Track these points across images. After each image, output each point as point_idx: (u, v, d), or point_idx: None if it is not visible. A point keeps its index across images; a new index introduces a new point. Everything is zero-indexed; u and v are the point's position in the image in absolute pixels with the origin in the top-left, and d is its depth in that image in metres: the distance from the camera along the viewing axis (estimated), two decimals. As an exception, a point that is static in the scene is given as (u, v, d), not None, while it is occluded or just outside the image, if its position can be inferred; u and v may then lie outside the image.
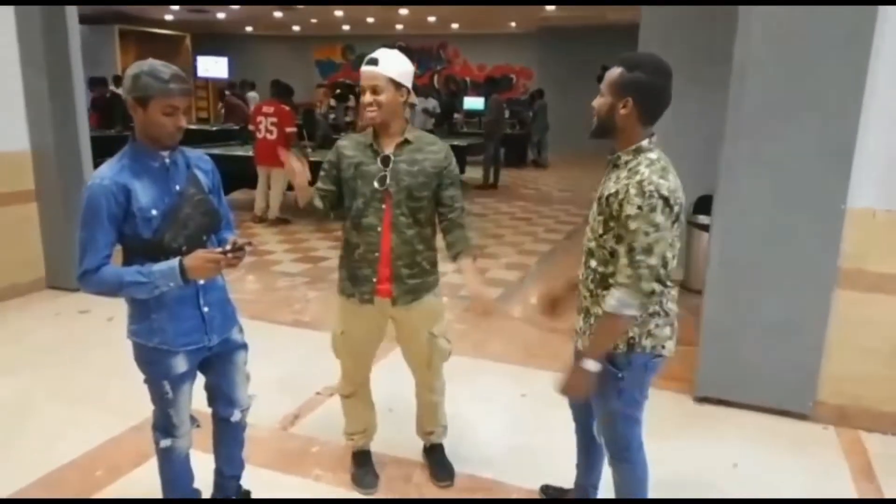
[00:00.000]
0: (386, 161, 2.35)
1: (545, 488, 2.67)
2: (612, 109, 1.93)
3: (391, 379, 2.98)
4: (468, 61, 18.86)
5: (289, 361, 3.92)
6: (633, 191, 1.85)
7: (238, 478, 2.48)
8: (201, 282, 2.08)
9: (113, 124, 10.52)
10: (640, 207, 1.83)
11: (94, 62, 12.29)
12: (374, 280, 2.42)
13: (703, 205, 4.95)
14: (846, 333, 3.25)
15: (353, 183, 2.38)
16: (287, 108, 7.42)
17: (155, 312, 2.03)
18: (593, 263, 2.04)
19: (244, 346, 2.33)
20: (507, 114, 12.59)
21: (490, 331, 4.51)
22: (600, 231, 1.98)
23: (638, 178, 1.87)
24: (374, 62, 2.27)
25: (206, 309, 2.11)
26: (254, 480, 2.62)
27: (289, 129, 7.28)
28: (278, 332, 4.45)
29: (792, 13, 3.07)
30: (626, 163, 1.95)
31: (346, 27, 17.98)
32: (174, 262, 1.94)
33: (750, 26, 3.16)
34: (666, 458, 2.97)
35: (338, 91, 12.59)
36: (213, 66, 17.37)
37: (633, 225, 1.85)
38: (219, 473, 2.43)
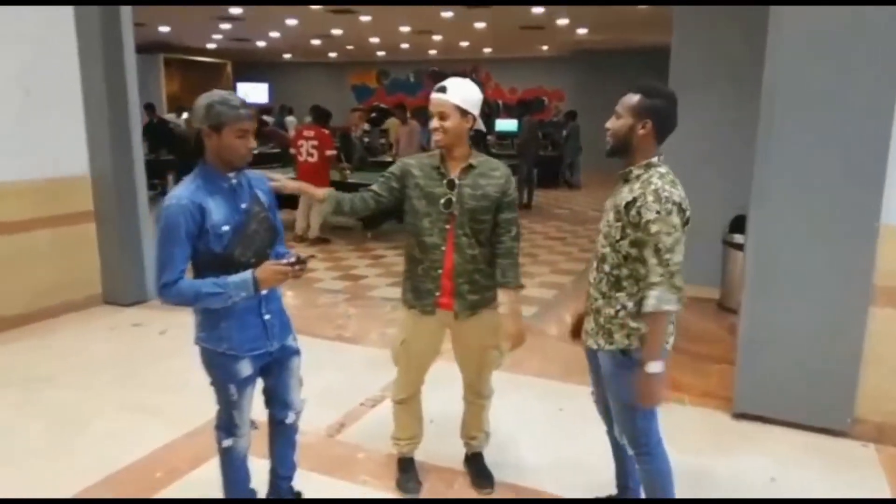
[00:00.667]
0: (452, 185, 2.52)
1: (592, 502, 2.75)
2: (632, 130, 2.15)
3: (434, 393, 3.07)
4: (500, 85, 19.10)
5: (332, 374, 4.06)
6: (650, 198, 2.07)
7: (290, 478, 2.62)
8: (263, 292, 2.24)
9: (158, 148, 10.94)
10: (658, 212, 2.05)
11: (141, 90, 12.83)
12: (437, 294, 2.58)
13: (739, 224, 4.99)
14: (883, 350, 3.27)
15: (418, 203, 2.55)
16: (326, 131, 7.67)
17: (224, 321, 2.20)
18: (607, 267, 2.24)
19: (298, 353, 2.50)
20: (540, 135, 12.73)
21: (527, 348, 4.56)
22: (617, 236, 2.17)
23: (653, 187, 2.09)
24: (443, 90, 2.45)
25: (267, 317, 2.29)
26: (305, 483, 2.75)
27: (328, 152, 7.53)
28: (321, 345, 4.59)
29: (822, 31, 3.15)
30: (638, 176, 2.17)
31: (380, 53, 18.40)
32: (247, 274, 2.12)
33: (780, 45, 3.25)
34: (703, 473, 3.05)
35: (373, 115, 12.90)
36: (252, 92, 17.93)
37: (654, 228, 2.05)
38: (273, 473, 2.58)
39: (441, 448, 3.04)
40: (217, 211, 2.14)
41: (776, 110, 3.28)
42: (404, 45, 16.53)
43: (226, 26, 13.49)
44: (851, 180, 3.19)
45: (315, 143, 7.45)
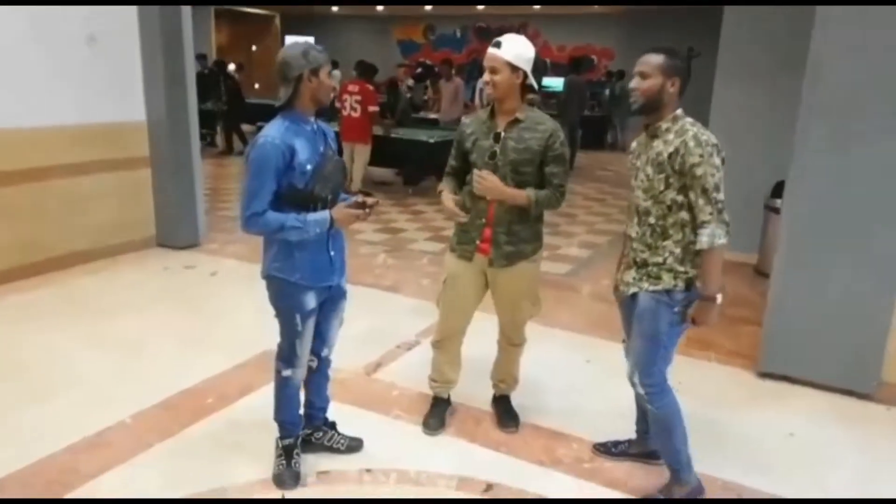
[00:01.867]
0: (497, 137, 2.66)
1: (599, 446, 2.88)
2: (663, 88, 2.29)
3: (471, 339, 3.19)
4: (549, 42, 18.75)
5: (370, 319, 4.26)
6: (691, 143, 2.22)
7: (325, 409, 2.83)
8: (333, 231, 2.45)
9: (206, 99, 11.16)
10: (700, 155, 2.20)
11: (193, 40, 13.07)
12: (477, 241, 2.74)
13: (780, 189, 4.94)
14: (914, 315, 3.28)
15: (471, 155, 2.72)
16: (371, 87, 7.76)
17: (297, 251, 2.40)
18: (651, 220, 2.37)
19: (346, 295, 2.69)
20: (587, 95, 12.53)
21: (559, 302, 4.73)
22: (661, 188, 2.31)
23: (690, 133, 2.25)
24: (498, 45, 2.58)
25: (332, 253, 2.50)
26: (341, 416, 2.96)
27: (371, 108, 7.63)
28: (361, 292, 4.77)
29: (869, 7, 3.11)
30: (668, 129, 2.32)
31: (428, 7, 18.21)
32: (325, 213, 2.37)
33: (827, 17, 3.22)
34: (720, 425, 3.16)
35: (419, 70, 12.89)
36: (300, 45, 18.02)
37: (699, 171, 2.20)
38: (309, 405, 2.78)
39: (473, 389, 3.20)
40: (303, 151, 2.33)
41: (822, 74, 3.27)
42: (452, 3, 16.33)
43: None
44: (890, 144, 3.16)
45: (359, 97, 7.55)
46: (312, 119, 2.43)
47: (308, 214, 2.34)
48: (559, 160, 2.67)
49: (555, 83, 14.30)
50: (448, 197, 2.76)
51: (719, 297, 2.30)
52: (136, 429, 2.93)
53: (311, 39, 18.13)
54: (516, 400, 3.14)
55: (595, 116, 13.78)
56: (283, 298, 2.47)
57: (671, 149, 2.26)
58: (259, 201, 2.28)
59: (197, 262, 5.25)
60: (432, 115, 10.70)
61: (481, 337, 3.08)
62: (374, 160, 8.12)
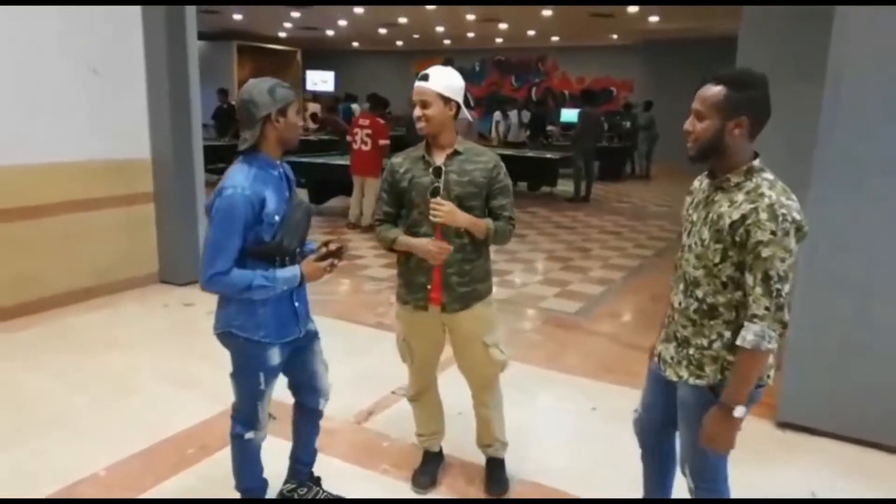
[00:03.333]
0: (438, 172, 2.46)
1: None
2: (722, 132, 1.83)
3: (462, 384, 3.04)
4: (567, 74, 18.77)
5: (368, 360, 4.10)
6: (764, 215, 1.74)
7: (311, 465, 2.65)
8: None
9: (225, 134, 11.28)
10: (773, 233, 1.73)
11: (214, 76, 13.29)
12: (429, 287, 2.52)
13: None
14: (946, 364, 3.03)
15: (408, 195, 2.50)
16: (382, 121, 7.73)
17: (261, 308, 2.21)
18: (700, 293, 1.93)
19: (318, 335, 2.50)
20: (605, 126, 12.44)
21: (566, 343, 4.52)
22: (716, 260, 1.86)
23: (767, 201, 1.76)
24: (426, 78, 2.42)
25: (297, 304, 2.32)
26: (326, 468, 2.79)
27: (382, 142, 7.59)
28: (360, 332, 4.66)
29: (890, 15, 2.95)
30: (738, 185, 1.85)
31: (447, 41, 18.38)
32: (296, 269, 2.21)
33: (846, 28, 3.06)
34: (737, 482, 2.90)
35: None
36: (320, 80, 18.29)
37: (766, 252, 1.74)
38: (295, 460, 2.61)
39: (468, 440, 2.99)
40: (271, 201, 2.14)
41: (840, 95, 3.10)
42: (470, 34, 16.45)
43: (296, 14, 13.77)
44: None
45: (370, 131, 7.53)
46: (278, 162, 2.26)
47: (277, 271, 2.16)
48: (505, 192, 2.51)
49: (571, 116, 14.27)
50: (409, 238, 2.47)
51: (740, 411, 1.81)
52: (108, 482, 2.79)
53: (330, 74, 18.42)
54: (515, 451, 2.92)
55: (612, 147, 13.65)
56: (245, 357, 2.28)
57: (737, 214, 1.78)
58: (224, 259, 2.06)
59: (196, 300, 5.16)
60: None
61: (462, 378, 2.84)
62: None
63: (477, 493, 2.79)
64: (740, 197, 1.81)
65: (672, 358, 2.02)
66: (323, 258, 2.27)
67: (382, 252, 6.96)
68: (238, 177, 2.13)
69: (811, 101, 3.32)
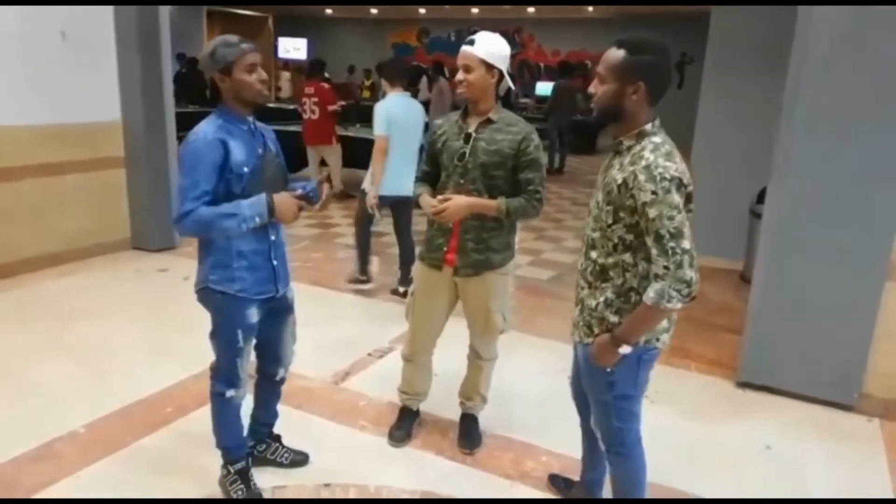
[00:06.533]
0: (468, 138, 2.51)
1: (553, 478, 2.66)
2: (621, 95, 1.85)
3: (445, 349, 3.07)
4: (542, 47, 18.71)
5: (344, 325, 4.17)
6: (642, 177, 1.78)
7: (271, 425, 2.70)
8: (272, 237, 2.31)
9: (181, 99, 10.94)
10: (654, 192, 1.76)
11: (184, 41, 12.95)
12: (445, 249, 2.59)
13: (765, 195, 4.87)
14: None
15: (440, 156, 2.58)
16: (327, 86, 7.46)
17: (236, 261, 2.23)
18: (594, 255, 1.99)
19: (293, 308, 2.53)
20: (577, 98, 12.47)
21: (539, 308, 4.63)
22: (609, 221, 1.91)
23: (643, 163, 1.80)
24: (472, 43, 2.44)
25: (275, 262, 2.34)
26: (305, 426, 2.87)
27: (331, 108, 7.31)
28: (337, 298, 4.71)
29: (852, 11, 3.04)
30: (629, 148, 1.89)
31: (422, 10, 18.15)
32: (262, 196, 2.16)
33: (808, 27, 3.16)
34: (698, 438, 3.07)
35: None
36: (292, 48, 17.95)
37: (652, 213, 1.76)
38: (255, 420, 2.65)
39: (443, 399, 3.09)
40: (238, 151, 2.16)
41: (804, 73, 3.19)
42: (445, 4, 16.26)
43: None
44: (873, 153, 3.09)
45: (316, 99, 7.25)
46: (249, 119, 2.25)
47: (242, 200, 2.14)
48: (534, 165, 2.50)
49: (546, 88, 14.26)
50: (427, 198, 2.57)
51: (625, 349, 1.91)
52: (87, 440, 2.82)
53: (303, 41, 18.08)
54: (488, 408, 3.02)
55: (587, 121, 13.69)
56: (223, 313, 2.30)
57: (621, 178, 1.84)
58: (192, 199, 2.09)
59: (170, 266, 5.14)
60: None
61: (456, 346, 2.95)
62: (352, 162, 7.98)
63: (451, 445, 2.89)
64: (627, 160, 1.86)
65: (575, 319, 2.10)
66: (300, 198, 2.26)
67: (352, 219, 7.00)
68: (203, 125, 2.18)
69: (782, 77, 3.41)
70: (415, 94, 12.43)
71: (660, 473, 2.50)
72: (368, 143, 8.00)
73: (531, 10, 16.81)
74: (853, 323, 3.24)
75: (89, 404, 3.06)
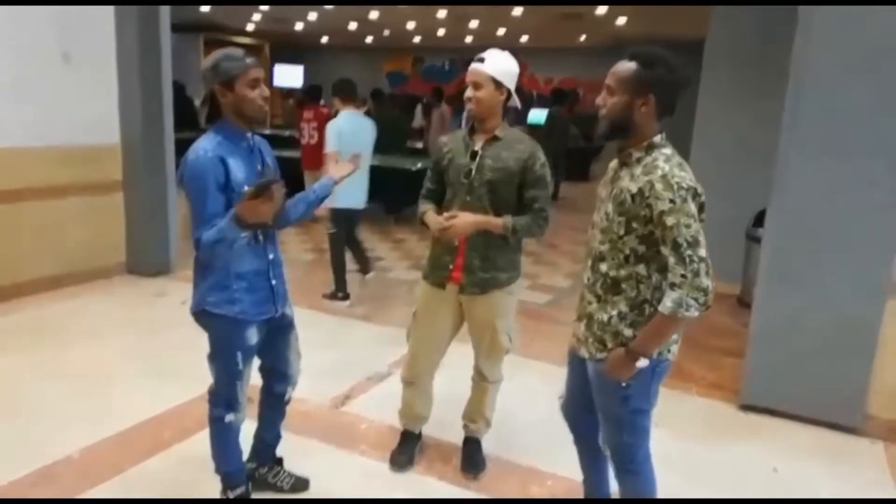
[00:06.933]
0: (474, 155, 2.51)
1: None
2: (630, 108, 1.88)
3: (447, 371, 3.06)
4: (535, 74, 18.95)
5: (343, 349, 4.13)
6: (659, 186, 1.80)
7: (275, 446, 2.65)
8: (270, 256, 2.28)
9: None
10: (672, 201, 1.78)
11: (181, 67, 13.05)
12: (451, 267, 2.57)
13: (762, 219, 4.90)
14: (899, 347, 3.20)
15: (446, 174, 2.58)
16: (325, 110, 7.47)
17: (235, 283, 2.19)
18: (604, 267, 1.98)
19: (294, 324, 2.49)
20: (569, 127, 12.59)
21: (537, 332, 4.61)
22: (620, 232, 1.91)
23: (660, 172, 1.82)
24: (482, 60, 2.46)
25: (273, 282, 2.30)
26: (304, 449, 2.83)
27: None
28: (334, 322, 4.68)
29: (850, 17, 3.09)
30: (639, 160, 1.91)
31: (416, 39, 18.38)
32: (230, 212, 2.02)
33: (807, 46, 3.20)
34: (703, 461, 3.03)
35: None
36: (288, 75, 18.10)
37: (670, 221, 1.78)
38: (258, 440, 2.61)
39: (447, 422, 3.05)
40: (238, 170, 2.12)
41: (803, 96, 3.23)
42: (440, 32, 16.48)
43: (265, 7, 13.63)
44: (874, 173, 3.11)
45: (315, 124, 7.25)
46: (248, 135, 2.22)
47: (220, 222, 2.03)
48: (540, 183, 2.50)
49: (538, 116, 14.40)
50: (433, 215, 2.57)
51: (642, 363, 1.89)
52: (83, 465, 2.77)
53: (300, 69, 18.24)
54: (490, 433, 2.99)
55: (581, 148, 13.81)
56: (222, 336, 2.26)
57: (635, 188, 1.85)
58: (202, 225, 2.06)
59: (168, 291, 5.10)
60: (418, 145, 10.68)
61: (459, 367, 2.92)
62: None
63: (454, 471, 2.84)
64: (638, 171, 1.88)
65: (582, 335, 2.07)
66: (253, 196, 1.99)
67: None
68: (202, 143, 2.13)
69: (776, 101, 3.46)
70: (409, 121, 12.64)
71: (668, 495, 2.47)
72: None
73: (524, 38, 17.06)
74: (856, 344, 3.24)
75: (85, 428, 3.01)
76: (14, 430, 3.03)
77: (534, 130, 14.60)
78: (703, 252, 1.78)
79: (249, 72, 2.12)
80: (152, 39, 5.27)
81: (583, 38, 16.34)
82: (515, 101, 2.52)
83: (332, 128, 4.65)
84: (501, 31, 15.83)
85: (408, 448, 2.89)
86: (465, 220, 2.46)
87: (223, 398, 2.33)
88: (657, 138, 1.91)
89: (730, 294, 5.45)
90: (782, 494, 2.81)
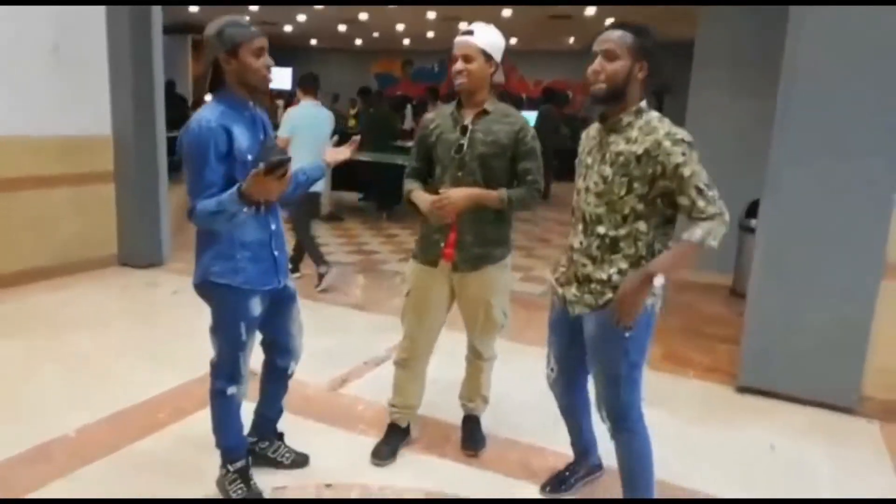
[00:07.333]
0: (464, 130, 2.48)
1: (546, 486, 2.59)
2: (630, 72, 1.96)
3: (441, 356, 3.04)
4: (524, 77, 19.04)
5: (339, 336, 4.11)
6: (667, 143, 1.91)
7: (276, 421, 2.62)
8: (273, 227, 2.26)
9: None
10: (683, 154, 1.91)
11: (169, 69, 13.00)
12: (442, 245, 2.53)
13: (755, 209, 4.93)
14: (894, 326, 3.22)
15: (434, 150, 2.54)
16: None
17: (239, 252, 2.17)
18: (601, 229, 2.05)
19: (296, 297, 2.47)
20: (561, 126, 12.66)
21: (531, 321, 4.60)
22: (622, 192, 1.98)
23: (663, 131, 1.93)
24: (470, 33, 2.42)
25: (276, 253, 2.28)
26: (304, 430, 2.81)
27: None
28: (330, 311, 4.65)
29: (842, 16, 3.13)
30: (629, 124, 2.00)
31: (406, 41, 18.43)
32: (235, 186, 2.02)
33: (801, 26, 3.23)
34: (701, 441, 3.05)
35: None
36: (277, 77, 18.07)
37: (687, 171, 1.90)
38: (260, 415, 2.58)
39: (444, 404, 3.04)
40: (242, 138, 2.11)
41: (796, 85, 3.26)
42: (430, 34, 16.53)
43: (254, 8, 13.59)
44: (867, 153, 3.15)
45: None
46: (251, 104, 2.20)
47: (222, 194, 2.03)
48: (532, 154, 2.50)
49: (528, 118, 14.46)
50: (421, 192, 2.54)
51: (659, 280, 1.94)
52: (79, 443, 2.73)
53: (288, 70, 18.23)
54: (489, 413, 2.98)
55: (571, 148, 13.85)
56: (226, 306, 2.23)
57: (639, 149, 1.94)
58: (198, 195, 2.05)
59: (159, 281, 5.05)
60: (409, 144, 10.70)
61: (455, 352, 2.90)
62: (344, 184, 7.95)
63: (454, 449, 2.83)
64: (635, 133, 1.97)
65: (575, 296, 2.13)
66: (265, 174, 1.99)
67: (347, 240, 6.99)
68: (204, 112, 2.11)
69: (769, 99, 3.50)
70: (401, 121, 12.64)
71: (667, 472, 2.49)
72: (355, 166, 8.08)
73: (514, 40, 17.14)
74: (851, 324, 3.27)
75: (80, 409, 2.97)
76: (8, 411, 2.99)
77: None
78: (717, 192, 1.91)
79: (254, 40, 2.11)
80: (143, 31, 5.22)
81: (571, 40, 16.45)
82: (501, 77, 2.50)
83: (287, 116, 5.07)
84: (491, 33, 15.88)
85: (393, 441, 2.79)
86: (460, 193, 2.42)
87: (225, 370, 2.30)
88: (643, 104, 2.01)
89: (723, 285, 5.48)
90: (780, 471, 2.82)
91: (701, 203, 1.90)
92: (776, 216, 3.39)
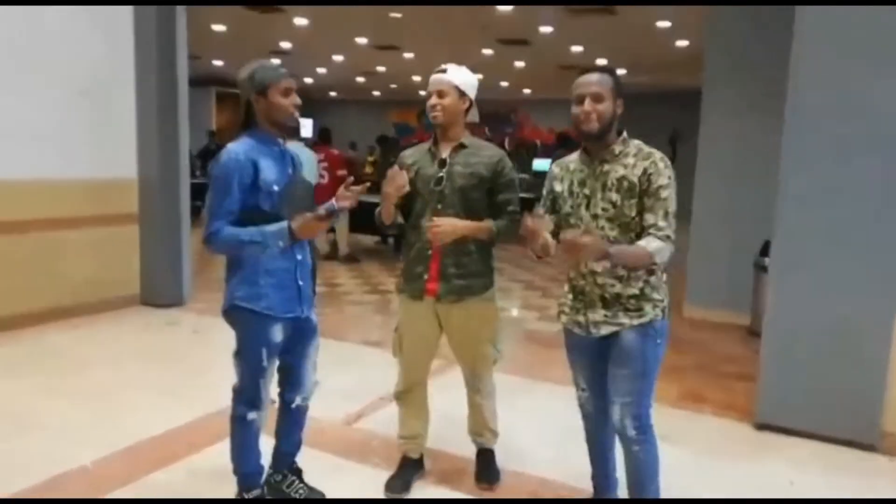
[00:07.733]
0: (443, 163, 2.56)
1: None
2: (615, 110, 2.19)
3: (450, 387, 3.08)
4: (538, 125, 19.33)
5: (355, 372, 4.13)
6: (661, 164, 2.14)
7: (294, 455, 2.63)
8: (299, 257, 2.35)
9: (207, 172, 11.42)
10: (669, 178, 2.13)
11: (193, 120, 13.44)
12: (425, 277, 2.56)
13: (769, 248, 4.94)
14: (911, 361, 3.19)
15: (413, 185, 2.57)
16: (336, 151, 7.76)
17: (263, 279, 2.27)
18: None
19: (317, 332, 2.53)
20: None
21: (549, 358, 4.61)
22: (633, 213, 2.15)
23: (658, 155, 2.17)
24: (444, 70, 2.55)
25: (301, 282, 2.36)
26: (320, 464, 2.81)
27: (340, 172, 7.45)
28: (346, 348, 4.69)
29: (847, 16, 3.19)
30: (621, 152, 2.21)
31: (422, 92, 18.83)
32: (283, 223, 2.20)
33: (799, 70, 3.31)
34: (720, 477, 3.01)
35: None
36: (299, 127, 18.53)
37: (665, 194, 2.11)
38: (277, 449, 2.60)
39: (456, 438, 3.02)
40: (269, 170, 2.25)
41: (804, 121, 3.31)
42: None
43: (276, 61, 14.08)
44: (878, 184, 3.18)
45: (325, 164, 7.41)
46: (280, 140, 2.36)
47: (266, 227, 2.20)
48: (511, 186, 2.57)
49: (543, 165, 14.63)
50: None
51: (604, 264, 2.07)
52: (94, 475, 2.76)
53: (309, 120, 18.73)
54: (504, 447, 2.96)
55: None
56: (248, 331, 2.31)
57: (639, 171, 2.14)
58: (217, 220, 2.18)
59: (180, 320, 5.13)
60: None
61: (459, 389, 2.89)
62: (361, 227, 8.08)
63: (469, 483, 2.81)
64: (630, 160, 2.18)
65: (605, 317, 2.23)
66: (321, 219, 2.25)
67: (363, 281, 7.06)
68: (234, 146, 2.26)
69: (774, 128, 3.55)
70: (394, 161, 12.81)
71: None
72: (373, 209, 8.24)
73: (527, 90, 17.50)
74: (868, 360, 3.23)
75: (96, 442, 3.01)
76: (24, 442, 3.04)
77: (539, 178, 14.85)
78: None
79: (282, 81, 2.27)
80: (170, 76, 5.46)
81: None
82: (475, 115, 2.59)
83: None
84: (504, 84, 16.26)
85: (405, 474, 2.79)
86: (454, 223, 2.47)
87: (246, 396, 2.36)
88: (625, 133, 2.25)
89: (739, 324, 5.44)
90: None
91: (663, 224, 2.10)
92: (787, 247, 3.40)
